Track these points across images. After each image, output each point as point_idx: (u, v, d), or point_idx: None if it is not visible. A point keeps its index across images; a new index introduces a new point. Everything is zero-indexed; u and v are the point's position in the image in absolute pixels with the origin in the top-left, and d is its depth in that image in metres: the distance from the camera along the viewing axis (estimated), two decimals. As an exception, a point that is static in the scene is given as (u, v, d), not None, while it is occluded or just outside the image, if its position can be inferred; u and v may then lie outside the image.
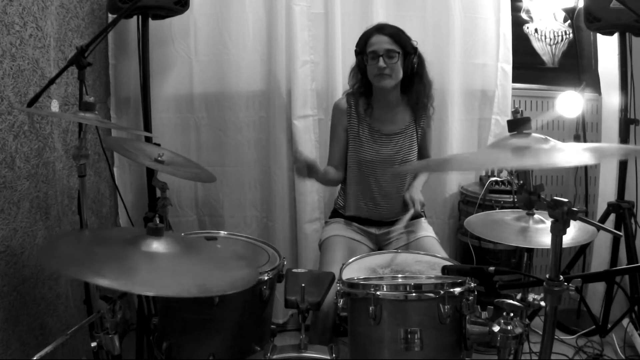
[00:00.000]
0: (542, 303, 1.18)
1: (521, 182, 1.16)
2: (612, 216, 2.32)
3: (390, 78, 1.91)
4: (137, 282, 1.02)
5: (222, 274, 1.19)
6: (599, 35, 2.64)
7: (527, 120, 1.21)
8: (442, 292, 1.32)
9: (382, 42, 1.89)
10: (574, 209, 1.03)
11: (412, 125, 2.05)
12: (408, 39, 1.94)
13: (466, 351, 1.36)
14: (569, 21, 2.79)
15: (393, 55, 1.88)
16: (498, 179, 2.46)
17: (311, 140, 2.50)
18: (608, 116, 2.70)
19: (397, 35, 1.91)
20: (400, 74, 1.93)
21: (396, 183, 2.04)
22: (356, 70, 2.02)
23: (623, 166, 2.38)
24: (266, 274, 1.55)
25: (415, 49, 1.95)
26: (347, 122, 2.04)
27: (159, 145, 1.91)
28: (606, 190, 2.68)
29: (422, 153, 2.12)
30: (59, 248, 1.12)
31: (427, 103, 2.04)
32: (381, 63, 1.87)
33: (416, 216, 2.12)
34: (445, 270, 1.43)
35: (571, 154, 1.18)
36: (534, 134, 1.19)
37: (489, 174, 2.52)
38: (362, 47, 1.94)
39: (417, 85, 2.00)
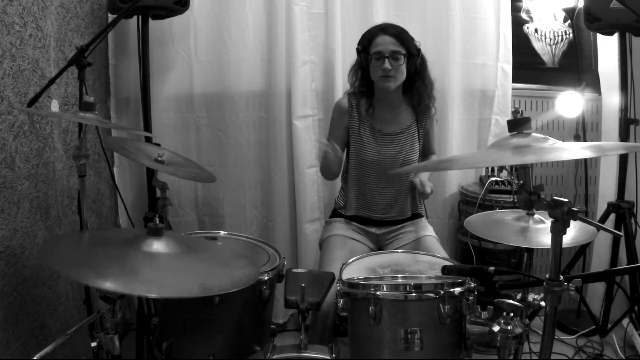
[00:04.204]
0: (542, 303, 1.18)
1: (521, 182, 1.16)
2: (612, 216, 2.32)
3: (395, 80, 1.91)
4: (138, 283, 1.02)
5: (223, 272, 1.19)
6: (599, 35, 2.64)
7: (527, 120, 1.21)
8: (442, 292, 1.32)
9: (387, 43, 1.88)
10: (574, 209, 1.03)
11: (414, 125, 2.05)
12: (412, 39, 1.93)
13: (466, 351, 1.36)
14: (569, 21, 2.79)
15: (398, 57, 1.88)
16: (498, 179, 2.46)
17: (311, 140, 2.50)
18: (608, 116, 2.70)
19: (402, 36, 1.90)
20: (404, 76, 1.93)
21: (397, 183, 2.04)
22: (357, 68, 2.02)
23: (623, 166, 2.38)
24: (266, 274, 1.55)
25: (419, 50, 1.95)
26: (348, 122, 2.04)
27: (159, 145, 1.91)
28: (606, 190, 2.68)
29: (427, 150, 2.13)
30: (60, 250, 1.12)
31: (429, 103, 2.04)
32: (387, 65, 1.86)
33: (416, 215, 2.12)
34: (445, 270, 1.43)
35: (572, 151, 1.19)
36: (534, 134, 1.19)
37: (489, 174, 2.52)
38: (366, 46, 1.93)
39: (419, 85, 2.00)
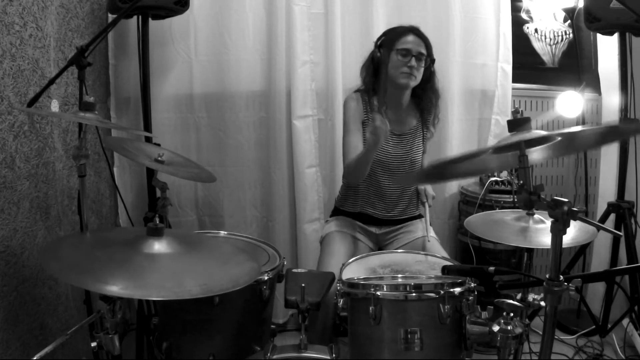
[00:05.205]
0: (542, 303, 1.18)
1: (521, 182, 1.16)
2: (612, 216, 2.32)
3: (415, 79, 1.94)
4: (139, 287, 1.02)
5: (224, 271, 1.19)
6: (599, 35, 2.64)
7: (527, 120, 1.21)
8: (442, 292, 1.32)
9: (417, 43, 1.92)
10: (574, 209, 1.03)
11: (420, 126, 2.08)
12: (432, 47, 1.98)
13: (466, 351, 1.36)
14: (569, 21, 2.79)
15: (422, 59, 1.93)
16: (498, 179, 2.46)
17: (311, 140, 2.50)
18: (608, 116, 2.70)
19: (427, 41, 1.96)
20: (420, 78, 1.97)
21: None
22: (369, 63, 2.03)
23: (623, 166, 2.38)
24: (266, 274, 1.55)
25: (434, 59, 1.99)
26: (363, 116, 2.02)
27: (159, 145, 1.91)
28: (606, 190, 2.68)
29: None
30: (61, 254, 1.12)
31: (434, 111, 2.08)
32: (413, 62, 1.90)
33: (417, 216, 2.13)
34: (445, 270, 1.43)
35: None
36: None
37: (489, 173, 2.52)
38: (390, 41, 1.95)
39: (428, 93, 2.04)
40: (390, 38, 1.96)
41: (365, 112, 2.02)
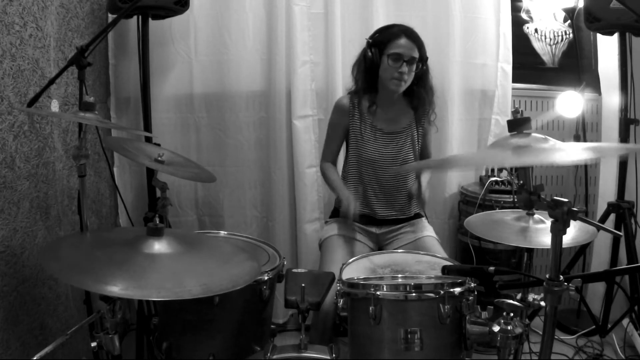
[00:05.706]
0: (542, 303, 1.18)
1: (521, 182, 1.17)
2: (612, 216, 2.32)
3: (405, 84, 1.94)
4: (139, 288, 1.02)
5: (224, 271, 1.20)
6: (599, 35, 2.64)
7: (527, 120, 1.21)
8: (442, 292, 1.32)
9: (409, 48, 1.91)
10: (574, 209, 1.03)
11: (413, 125, 2.06)
12: (425, 46, 1.97)
13: (466, 351, 1.36)
14: (569, 21, 2.79)
15: (414, 62, 1.92)
16: (498, 179, 2.46)
17: (311, 140, 2.50)
18: (608, 116, 2.70)
19: (420, 42, 1.94)
20: (410, 81, 1.96)
21: (397, 182, 2.05)
22: (361, 60, 2.02)
23: (623, 166, 2.38)
24: (266, 274, 1.55)
25: (427, 57, 1.98)
26: (349, 122, 2.04)
27: (159, 145, 1.91)
28: (606, 190, 2.68)
29: (423, 155, 2.13)
30: (61, 255, 1.12)
31: (429, 109, 2.06)
32: (404, 68, 1.89)
33: (417, 215, 2.13)
34: (445, 270, 1.43)
35: (571, 153, 1.19)
36: (534, 134, 1.19)
37: (489, 174, 2.52)
38: (382, 42, 1.94)
39: (420, 91, 2.03)
40: (383, 40, 1.94)
41: (352, 116, 2.04)
